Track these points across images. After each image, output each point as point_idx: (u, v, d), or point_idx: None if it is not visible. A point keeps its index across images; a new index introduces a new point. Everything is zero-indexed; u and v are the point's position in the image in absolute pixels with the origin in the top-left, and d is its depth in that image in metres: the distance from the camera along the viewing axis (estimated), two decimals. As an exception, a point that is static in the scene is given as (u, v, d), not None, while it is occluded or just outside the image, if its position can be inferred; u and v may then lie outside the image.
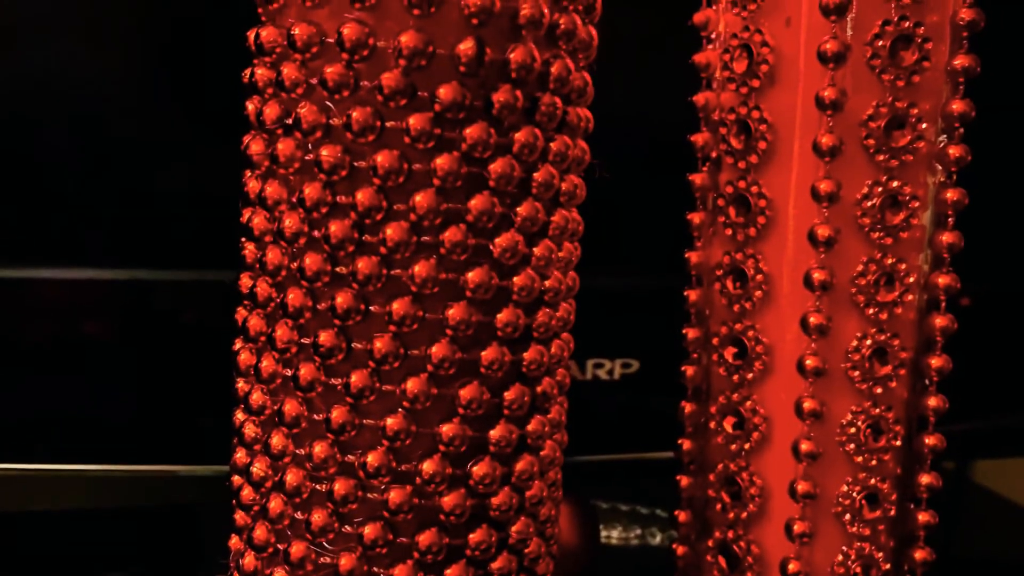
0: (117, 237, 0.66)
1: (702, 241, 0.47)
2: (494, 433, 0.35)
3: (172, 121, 0.65)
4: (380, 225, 0.33)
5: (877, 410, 0.43)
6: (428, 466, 0.34)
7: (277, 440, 0.35)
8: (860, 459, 0.44)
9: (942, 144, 0.42)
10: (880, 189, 0.42)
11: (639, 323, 0.72)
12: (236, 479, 0.37)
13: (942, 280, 0.43)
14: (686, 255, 0.47)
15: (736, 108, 0.44)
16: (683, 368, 0.48)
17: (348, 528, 0.35)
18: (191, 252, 0.66)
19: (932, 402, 0.44)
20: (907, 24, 0.40)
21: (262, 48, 0.34)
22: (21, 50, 0.62)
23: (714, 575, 0.47)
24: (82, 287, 0.65)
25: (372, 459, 0.34)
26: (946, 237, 0.43)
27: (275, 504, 0.36)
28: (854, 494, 0.44)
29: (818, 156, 0.41)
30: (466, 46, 0.32)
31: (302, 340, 0.34)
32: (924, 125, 0.42)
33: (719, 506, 0.47)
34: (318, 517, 0.35)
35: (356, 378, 0.34)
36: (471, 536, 0.35)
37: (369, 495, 0.35)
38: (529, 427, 0.36)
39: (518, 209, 0.34)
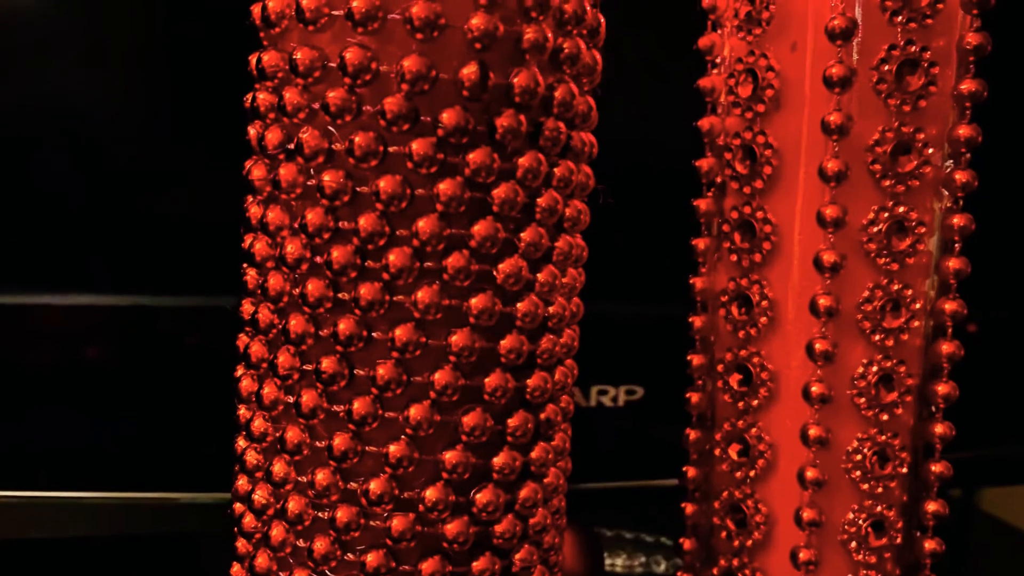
0: (118, 262, 0.66)
1: (707, 267, 0.47)
2: (497, 460, 0.35)
3: (174, 146, 0.65)
4: (383, 251, 0.32)
5: (883, 437, 0.43)
6: (431, 493, 0.34)
7: (279, 467, 0.35)
8: (866, 486, 0.43)
9: (948, 169, 0.42)
10: (886, 215, 0.41)
11: (643, 350, 0.72)
12: (238, 506, 0.37)
13: (949, 306, 0.43)
14: (691, 281, 0.47)
15: (741, 133, 0.44)
16: (688, 395, 0.48)
17: (350, 556, 0.35)
18: (192, 278, 0.66)
19: (938, 429, 0.44)
20: (913, 49, 0.40)
21: (264, 73, 0.34)
22: (22, 75, 0.62)
23: (719, 604, 0.47)
24: (83, 313, 0.65)
25: (375, 486, 0.34)
26: (953, 263, 0.42)
27: (277, 532, 0.35)
28: (860, 522, 0.44)
29: (824, 181, 0.41)
30: (469, 70, 0.31)
31: (304, 367, 0.34)
32: (930, 150, 0.41)
33: (724, 534, 0.46)
34: (320, 545, 0.34)
35: (358, 405, 0.33)
36: (474, 564, 0.35)
37: (371, 523, 0.34)
38: (533, 454, 0.36)
39: (522, 235, 0.34)
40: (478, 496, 0.35)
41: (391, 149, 0.32)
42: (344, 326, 0.33)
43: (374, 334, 0.33)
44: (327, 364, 0.33)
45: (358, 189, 0.32)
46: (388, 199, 0.32)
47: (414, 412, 0.33)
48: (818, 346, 0.42)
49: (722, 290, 0.46)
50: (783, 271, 0.43)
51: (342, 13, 0.32)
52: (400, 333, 0.33)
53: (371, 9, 0.31)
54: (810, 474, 0.42)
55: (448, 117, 0.32)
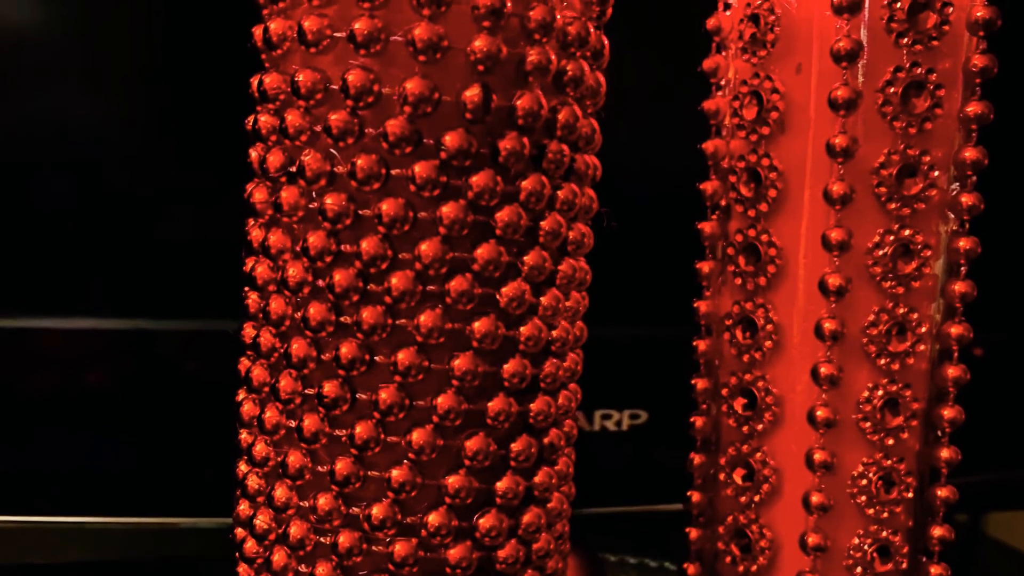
0: (119, 286, 0.66)
1: (711, 290, 0.47)
2: (500, 485, 0.35)
3: (174, 169, 0.65)
4: (385, 274, 0.32)
5: (889, 462, 0.43)
6: (434, 518, 0.34)
7: (281, 492, 0.35)
8: (871, 511, 0.43)
9: (954, 192, 0.42)
10: (891, 238, 0.41)
11: (647, 373, 0.72)
12: (239, 531, 0.37)
13: (954, 330, 0.43)
14: (695, 304, 0.47)
15: (746, 155, 0.44)
16: (692, 419, 0.48)
17: (353, 582, 0.34)
18: (194, 301, 0.66)
19: (944, 454, 0.44)
20: (919, 71, 0.40)
21: (265, 95, 0.34)
22: (22, 97, 0.62)
23: (724, 630, 0.47)
24: (83, 337, 0.65)
25: (377, 511, 0.34)
26: (958, 286, 0.42)
27: (279, 557, 0.35)
28: (865, 547, 0.43)
29: (829, 204, 0.41)
30: (472, 93, 0.31)
31: (306, 391, 0.34)
32: (936, 173, 0.41)
33: (729, 559, 0.46)
34: (322, 570, 0.34)
35: (361, 429, 0.33)
36: (477, 590, 0.35)
37: (374, 548, 0.34)
38: (536, 479, 0.36)
39: (525, 258, 0.34)
40: (481, 521, 0.34)
41: (393, 172, 0.32)
42: (346, 350, 0.33)
43: (376, 358, 0.33)
44: (329, 388, 0.33)
45: (360, 212, 0.32)
46: (390, 222, 0.32)
47: (416, 436, 0.33)
48: (823, 370, 0.41)
49: (726, 314, 0.45)
50: (788, 294, 0.43)
51: (344, 35, 0.32)
52: (402, 357, 0.33)
53: (373, 31, 0.31)
54: (815, 499, 0.42)
55: (451, 140, 0.31)
